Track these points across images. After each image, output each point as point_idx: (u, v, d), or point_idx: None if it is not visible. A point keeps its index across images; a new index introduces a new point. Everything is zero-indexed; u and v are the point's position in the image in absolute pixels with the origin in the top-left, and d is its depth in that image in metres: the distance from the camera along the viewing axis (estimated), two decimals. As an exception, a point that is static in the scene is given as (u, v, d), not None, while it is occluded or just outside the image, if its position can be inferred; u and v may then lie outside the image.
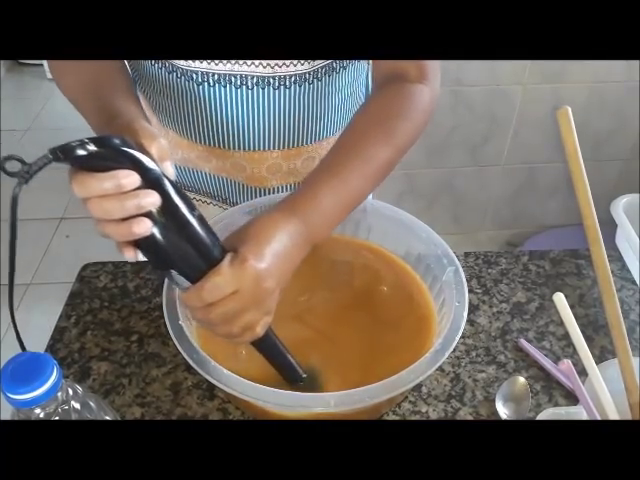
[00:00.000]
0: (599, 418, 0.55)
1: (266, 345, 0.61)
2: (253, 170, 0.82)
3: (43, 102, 3.12)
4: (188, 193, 0.90)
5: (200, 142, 0.81)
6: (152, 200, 0.48)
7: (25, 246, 2.12)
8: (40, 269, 2.18)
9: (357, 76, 0.82)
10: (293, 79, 0.74)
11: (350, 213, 0.64)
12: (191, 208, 0.51)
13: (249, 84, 0.73)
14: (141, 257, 0.52)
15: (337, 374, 0.65)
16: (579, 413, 0.58)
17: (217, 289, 0.51)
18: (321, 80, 0.76)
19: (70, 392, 0.47)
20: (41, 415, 0.45)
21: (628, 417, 0.56)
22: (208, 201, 0.90)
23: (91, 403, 0.49)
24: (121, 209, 0.47)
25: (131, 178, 0.47)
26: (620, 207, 0.85)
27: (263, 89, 0.74)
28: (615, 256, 0.88)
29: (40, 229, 2.34)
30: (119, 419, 0.54)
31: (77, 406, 0.47)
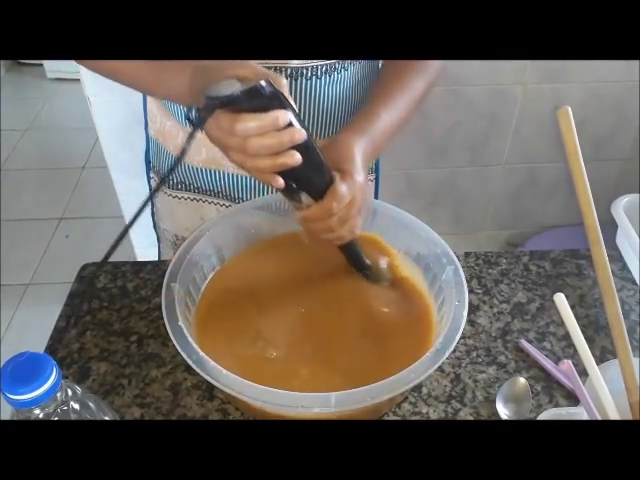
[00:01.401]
0: (600, 418, 0.55)
1: (351, 243, 0.71)
2: None
3: (43, 102, 3.12)
4: (206, 198, 0.89)
5: None
6: (301, 135, 0.56)
7: (25, 246, 2.14)
8: (40, 269, 2.17)
9: (373, 62, 0.86)
10: (324, 69, 0.76)
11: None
12: (310, 136, 0.58)
13: (283, 76, 0.74)
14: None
15: (337, 374, 0.65)
16: (580, 414, 0.58)
17: (340, 200, 0.63)
18: (347, 69, 0.79)
19: (69, 392, 0.47)
20: (40, 415, 0.45)
21: (628, 417, 0.56)
22: (227, 204, 0.88)
23: (90, 404, 0.49)
24: (279, 144, 0.55)
25: (285, 116, 0.54)
26: (620, 207, 0.85)
27: (296, 80, 0.76)
28: (615, 256, 0.88)
29: (40, 229, 2.33)
30: (118, 420, 0.54)
31: (76, 406, 0.47)
